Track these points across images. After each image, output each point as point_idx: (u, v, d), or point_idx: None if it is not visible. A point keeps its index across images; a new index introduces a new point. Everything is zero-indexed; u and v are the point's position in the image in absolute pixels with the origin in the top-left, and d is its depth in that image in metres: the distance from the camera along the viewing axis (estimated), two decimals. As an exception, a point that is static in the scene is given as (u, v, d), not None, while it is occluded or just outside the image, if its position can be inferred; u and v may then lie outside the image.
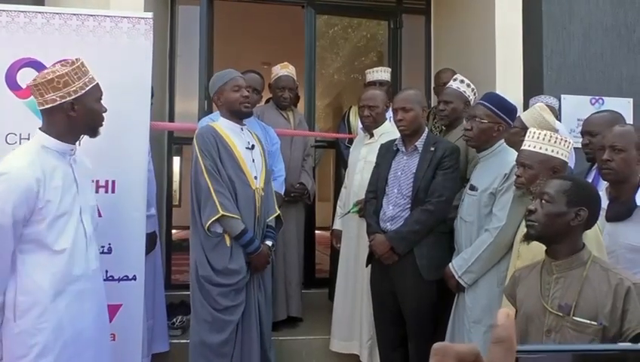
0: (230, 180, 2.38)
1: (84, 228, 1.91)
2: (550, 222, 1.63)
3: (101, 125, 1.97)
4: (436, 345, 0.38)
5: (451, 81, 2.96)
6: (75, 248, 1.85)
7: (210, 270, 2.36)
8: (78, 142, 1.99)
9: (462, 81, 2.90)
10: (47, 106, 1.84)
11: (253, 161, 2.49)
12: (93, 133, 1.97)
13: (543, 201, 1.66)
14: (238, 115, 2.52)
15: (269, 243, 2.49)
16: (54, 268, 1.81)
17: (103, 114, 1.96)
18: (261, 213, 2.47)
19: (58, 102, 1.84)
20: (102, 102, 1.97)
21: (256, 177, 2.47)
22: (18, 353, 1.76)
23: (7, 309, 1.77)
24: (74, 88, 1.84)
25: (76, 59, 1.89)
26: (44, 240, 1.79)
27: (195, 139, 2.44)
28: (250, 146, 2.51)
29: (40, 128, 1.89)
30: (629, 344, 0.40)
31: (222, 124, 2.51)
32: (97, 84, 1.94)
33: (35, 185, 1.75)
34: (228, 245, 2.36)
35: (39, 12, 2.36)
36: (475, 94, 2.96)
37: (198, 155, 2.39)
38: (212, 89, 2.58)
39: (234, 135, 2.49)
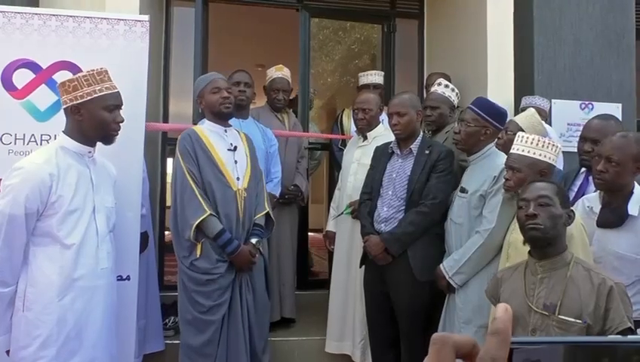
0: (208, 183, 2.41)
1: (96, 226, 1.97)
2: (554, 224, 1.68)
3: (111, 134, 2.03)
4: (435, 335, 0.40)
5: (435, 86, 2.98)
6: (84, 245, 1.92)
7: (185, 268, 2.40)
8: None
9: (446, 86, 2.94)
10: (63, 107, 1.98)
11: (236, 162, 2.50)
12: (103, 140, 2.04)
13: (543, 205, 1.69)
14: (219, 116, 2.54)
15: (253, 240, 2.46)
16: (63, 262, 1.88)
17: (116, 124, 2.01)
18: (244, 214, 2.47)
19: (67, 105, 1.95)
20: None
21: (238, 178, 2.48)
22: (23, 343, 1.84)
23: (17, 299, 1.86)
24: (80, 93, 1.94)
25: (100, 68, 1.99)
26: (56, 234, 1.86)
27: (177, 143, 2.50)
28: (232, 148, 2.52)
29: (62, 130, 2.01)
30: (619, 336, 0.42)
31: (204, 127, 2.54)
32: (111, 94, 1.99)
33: (49, 179, 1.84)
34: (199, 246, 2.38)
35: (36, 13, 2.37)
36: (458, 97, 3.00)
37: (180, 158, 2.43)
38: (195, 93, 2.62)
39: (216, 137, 2.51)
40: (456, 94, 2.97)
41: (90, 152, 2.03)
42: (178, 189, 2.41)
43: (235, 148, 2.53)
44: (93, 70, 1.98)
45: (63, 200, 1.87)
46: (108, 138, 2.03)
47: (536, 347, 0.40)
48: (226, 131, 2.57)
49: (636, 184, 2.01)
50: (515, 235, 1.99)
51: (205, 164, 2.42)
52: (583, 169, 2.50)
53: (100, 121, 1.98)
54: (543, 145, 2.04)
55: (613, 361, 0.39)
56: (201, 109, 2.69)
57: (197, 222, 2.33)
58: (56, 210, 1.86)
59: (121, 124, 2.04)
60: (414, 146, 2.62)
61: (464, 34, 3.91)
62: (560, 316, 1.61)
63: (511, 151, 2.11)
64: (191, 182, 2.38)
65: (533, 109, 2.86)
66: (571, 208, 1.70)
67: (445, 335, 0.40)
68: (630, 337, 0.40)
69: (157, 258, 3.44)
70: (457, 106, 3.46)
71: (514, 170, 2.07)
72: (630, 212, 1.93)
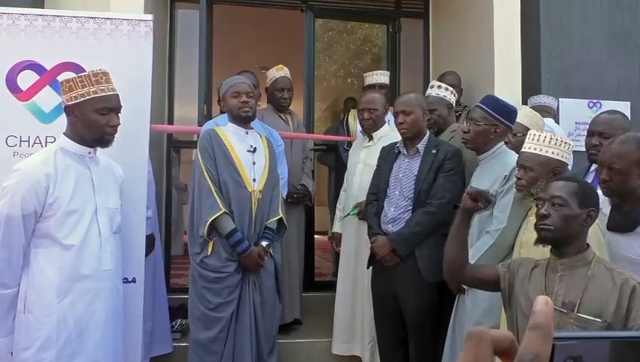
0: (223, 182, 2.44)
1: (98, 227, 1.96)
2: (566, 225, 1.63)
3: (105, 137, 2.00)
4: (471, 330, 0.37)
5: (429, 89, 2.96)
6: (85, 246, 1.91)
7: (196, 265, 2.44)
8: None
9: (439, 87, 2.91)
10: (62, 107, 2.00)
11: (254, 163, 2.53)
12: (98, 143, 2.02)
13: (555, 205, 1.65)
14: (238, 119, 2.59)
15: (264, 243, 2.49)
16: (62, 264, 1.87)
17: (110, 127, 1.98)
18: (257, 215, 2.49)
19: (65, 105, 1.96)
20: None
21: (254, 179, 2.50)
22: (24, 344, 1.84)
23: (19, 301, 1.85)
24: (75, 94, 1.93)
25: (99, 70, 1.98)
26: (55, 235, 1.86)
27: (198, 142, 2.56)
28: (252, 149, 2.55)
29: (63, 131, 2.01)
30: None
31: (226, 128, 2.60)
32: (105, 96, 1.97)
33: (45, 180, 1.83)
34: (211, 244, 2.42)
35: (40, 15, 2.36)
36: (455, 95, 2.97)
37: (199, 156, 2.48)
38: (220, 95, 2.72)
39: (236, 138, 2.55)
40: (451, 92, 2.92)
41: (90, 153, 2.01)
42: (196, 187, 2.46)
43: (255, 149, 2.57)
44: (91, 71, 1.97)
45: (60, 201, 1.86)
46: (102, 141, 2.01)
47: (581, 342, 0.37)
48: (247, 133, 2.61)
49: None
50: (527, 235, 1.95)
51: (222, 164, 2.46)
52: (593, 167, 2.47)
53: (91, 124, 1.96)
54: (555, 143, 2.01)
55: None
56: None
57: (211, 219, 2.37)
58: (54, 211, 1.85)
59: (119, 128, 2.01)
60: (421, 146, 2.60)
61: (470, 33, 3.88)
62: (579, 314, 1.57)
63: (522, 149, 2.07)
64: (208, 180, 2.43)
65: (526, 107, 2.87)
66: (592, 208, 1.65)
67: (482, 329, 0.37)
68: None
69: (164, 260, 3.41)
70: (465, 106, 3.43)
71: (525, 168, 2.04)
72: None
